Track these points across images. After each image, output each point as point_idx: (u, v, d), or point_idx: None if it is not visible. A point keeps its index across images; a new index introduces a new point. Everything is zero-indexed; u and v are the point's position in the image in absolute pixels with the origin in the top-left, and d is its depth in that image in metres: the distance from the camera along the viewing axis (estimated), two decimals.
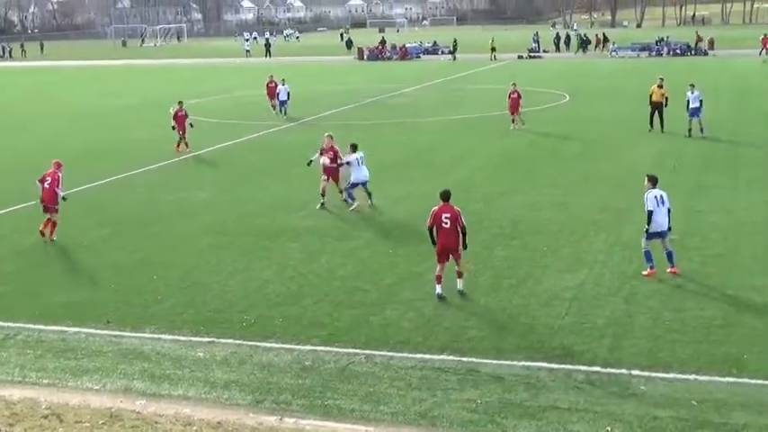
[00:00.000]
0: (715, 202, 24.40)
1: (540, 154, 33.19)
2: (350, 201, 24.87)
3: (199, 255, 20.67)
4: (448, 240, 16.86)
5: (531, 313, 16.10)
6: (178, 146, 35.73)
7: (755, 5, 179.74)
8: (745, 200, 24.56)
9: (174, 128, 35.63)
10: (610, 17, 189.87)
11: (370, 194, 25.02)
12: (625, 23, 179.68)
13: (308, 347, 14.79)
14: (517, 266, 18.88)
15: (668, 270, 17.90)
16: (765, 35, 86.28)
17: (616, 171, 29.13)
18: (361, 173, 24.77)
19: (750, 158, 30.81)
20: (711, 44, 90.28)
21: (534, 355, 14.16)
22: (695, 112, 34.95)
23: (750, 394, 12.59)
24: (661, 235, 17.93)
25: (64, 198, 22.67)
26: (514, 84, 39.64)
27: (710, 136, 34.75)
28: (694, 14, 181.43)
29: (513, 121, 38.92)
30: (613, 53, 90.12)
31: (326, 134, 25.78)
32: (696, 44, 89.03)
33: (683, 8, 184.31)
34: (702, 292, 17.03)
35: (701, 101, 35.02)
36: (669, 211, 17.96)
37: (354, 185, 24.94)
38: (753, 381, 13.01)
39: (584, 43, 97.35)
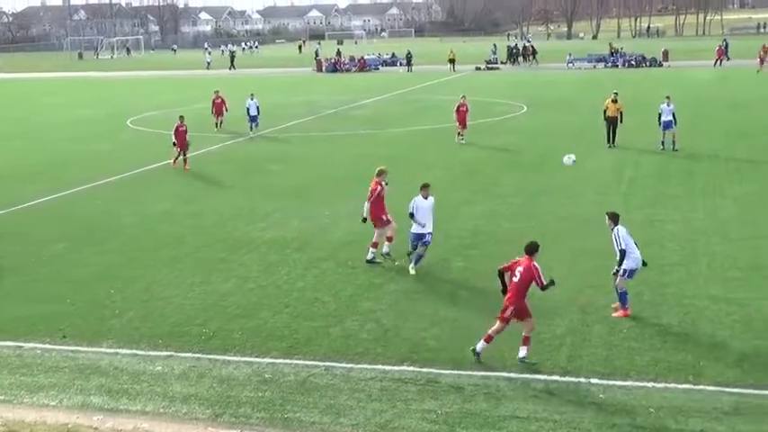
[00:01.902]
0: (673, 211, 24.69)
1: (499, 164, 33.39)
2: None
3: (157, 268, 20.51)
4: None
5: (490, 322, 16.12)
6: (174, 161, 34.32)
7: (708, 18, 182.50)
8: (702, 210, 24.89)
9: (174, 144, 34.01)
10: (566, 29, 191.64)
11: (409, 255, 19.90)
12: (581, 35, 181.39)
13: (268, 360, 14.73)
14: (476, 277, 18.94)
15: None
16: (720, 46, 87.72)
17: (575, 181, 29.38)
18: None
19: (706, 169, 31.21)
20: (666, 55, 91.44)
21: (494, 364, 14.22)
22: (668, 125, 35.08)
23: (707, 401, 12.74)
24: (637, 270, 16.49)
25: None
26: (464, 96, 39.57)
27: (669, 147, 35.08)
28: (649, 27, 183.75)
29: (458, 134, 38.74)
30: (570, 64, 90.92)
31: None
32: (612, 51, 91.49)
33: (638, 20, 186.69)
34: (659, 300, 17.22)
35: (673, 114, 35.16)
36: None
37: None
38: (709, 387, 13.17)
39: (513, 55, 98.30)
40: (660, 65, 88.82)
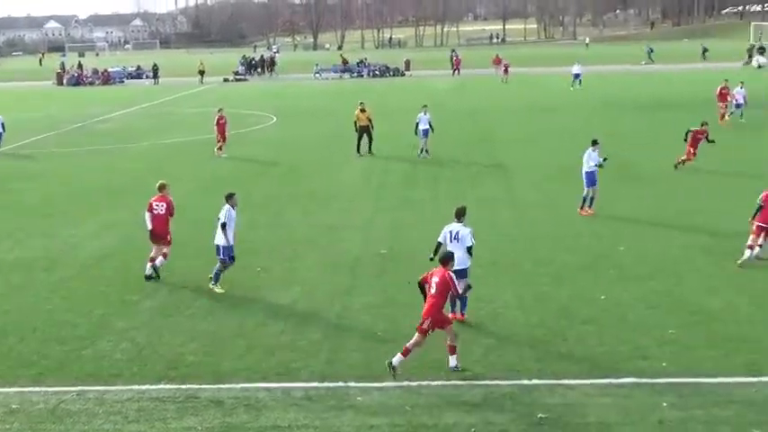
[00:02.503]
0: (419, 214, 25.62)
1: (250, 175, 33.37)
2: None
3: None
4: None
5: (248, 334, 16.14)
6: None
7: (446, 29, 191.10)
8: (445, 211, 25.93)
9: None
10: (312, 40, 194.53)
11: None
12: (327, 46, 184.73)
13: (15, 389, 13.94)
14: (234, 287, 18.84)
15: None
16: (455, 56, 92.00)
17: (325, 189, 29.89)
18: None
19: (449, 174, 32.65)
20: (408, 65, 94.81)
21: (253, 375, 14.20)
22: (426, 133, 36.04)
23: (457, 394, 13.34)
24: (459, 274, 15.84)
25: None
26: (221, 109, 39.19)
27: (412, 153, 36.38)
28: (391, 38, 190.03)
29: (220, 149, 38.23)
30: (317, 75, 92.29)
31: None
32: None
33: (381, 32, 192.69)
34: (411, 302, 17.70)
35: (430, 122, 36.15)
36: (469, 250, 16.35)
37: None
38: (459, 382, 13.79)
39: (252, 67, 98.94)
40: (403, 74, 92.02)
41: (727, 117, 43.99)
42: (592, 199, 25.17)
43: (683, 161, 31.31)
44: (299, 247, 22.34)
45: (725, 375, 13.81)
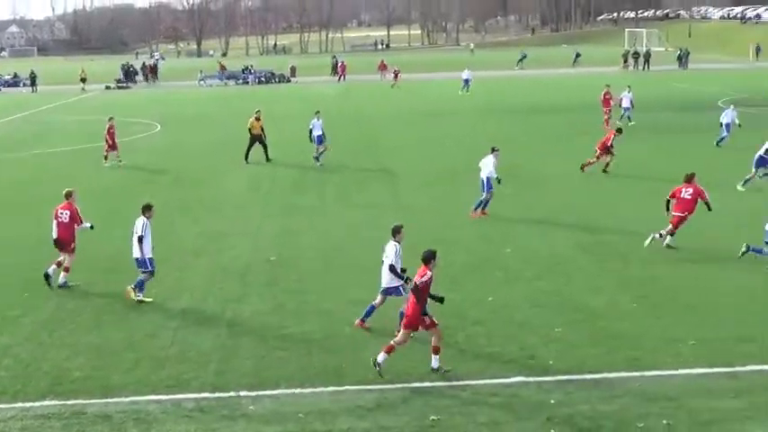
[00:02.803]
0: (307, 220, 25.62)
1: (137, 183, 32.78)
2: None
3: None
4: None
5: (136, 347, 15.84)
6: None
7: (330, 36, 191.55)
8: (333, 216, 26.14)
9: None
10: (196, 46, 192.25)
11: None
12: (211, 53, 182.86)
13: None
14: (119, 300, 18.46)
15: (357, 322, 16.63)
16: (341, 63, 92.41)
17: (213, 196, 29.61)
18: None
19: (337, 179, 32.73)
20: (294, 71, 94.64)
21: (142, 389, 13.94)
22: (320, 139, 35.59)
23: (350, 400, 13.38)
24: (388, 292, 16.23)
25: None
26: (112, 118, 37.93)
27: (300, 159, 36.33)
28: (275, 44, 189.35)
29: (106, 158, 37.34)
30: (201, 82, 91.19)
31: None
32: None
33: (265, 38, 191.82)
34: (302, 308, 17.78)
35: (322, 129, 35.77)
36: (392, 268, 16.03)
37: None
38: (352, 387, 13.83)
39: (131, 74, 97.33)
40: (289, 81, 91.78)
41: (614, 121, 44.77)
42: (487, 202, 25.63)
43: (589, 164, 31.83)
44: (188, 255, 22.05)
45: (608, 371, 14.23)
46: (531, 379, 14.00)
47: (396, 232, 16.36)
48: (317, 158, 35.57)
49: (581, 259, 21.06)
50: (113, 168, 36.20)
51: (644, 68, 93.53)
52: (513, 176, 29.82)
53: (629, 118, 45.18)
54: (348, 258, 21.45)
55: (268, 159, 36.81)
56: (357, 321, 16.54)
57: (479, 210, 25.56)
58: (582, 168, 31.84)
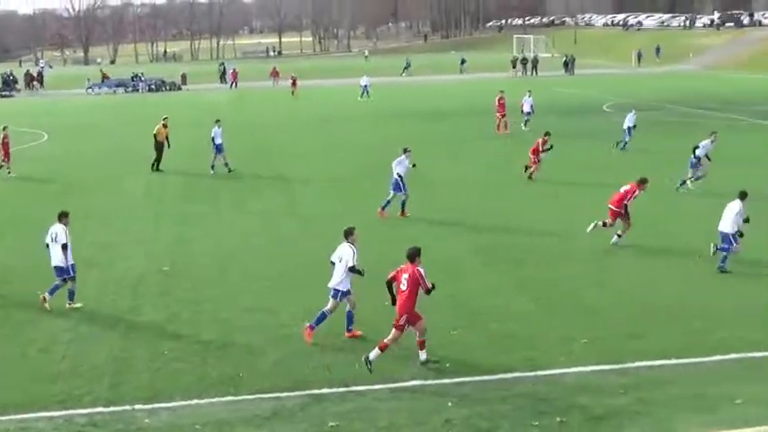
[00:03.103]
0: (201, 228, 25.33)
1: (25, 193, 32.01)
2: None
3: None
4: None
5: (27, 362, 15.38)
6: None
7: (221, 43, 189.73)
8: (227, 224, 25.91)
9: None
10: (83, 54, 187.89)
11: None
12: (99, 60, 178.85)
13: None
14: (11, 314, 17.90)
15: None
16: (230, 69, 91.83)
17: (104, 206, 28.99)
18: None
19: (231, 186, 32.48)
20: (185, 79, 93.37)
21: (32, 405, 13.51)
22: (220, 148, 35.09)
23: (248, 410, 13.25)
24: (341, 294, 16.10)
25: None
26: (5, 127, 36.62)
27: (193, 168, 35.85)
28: (165, 51, 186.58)
29: (7, 169, 36.08)
30: (90, 90, 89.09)
31: None
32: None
33: (155, 45, 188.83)
34: (196, 318, 17.53)
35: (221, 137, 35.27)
36: (354, 269, 15.96)
37: None
38: (249, 396, 13.71)
39: (9, 83, 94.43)
40: (180, 88, 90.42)
41: (507, 126, 45.23)
42: (403, 203, 26.20)
43: (528, 168, 32.04)
44: (79, 266, 21.35)
45: (504, 372, 14.44)
46: (429, 382, 14.11)
47: (348, 234, 16.39)
48: (226, 165, 35.18)
49: (477, 262, 21.35)
50: (1, 180, 35.05)
51: (532, 74, 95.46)
52: (410, 180, 30.06)
53: (525, 123, 45.55)
54: (242, 266, 21.28)
55: (158, 169, 36.13)
56: (307, 328, 16.00)
57: (385, 210, 26.17)
58: (529, 177, 31.76)
